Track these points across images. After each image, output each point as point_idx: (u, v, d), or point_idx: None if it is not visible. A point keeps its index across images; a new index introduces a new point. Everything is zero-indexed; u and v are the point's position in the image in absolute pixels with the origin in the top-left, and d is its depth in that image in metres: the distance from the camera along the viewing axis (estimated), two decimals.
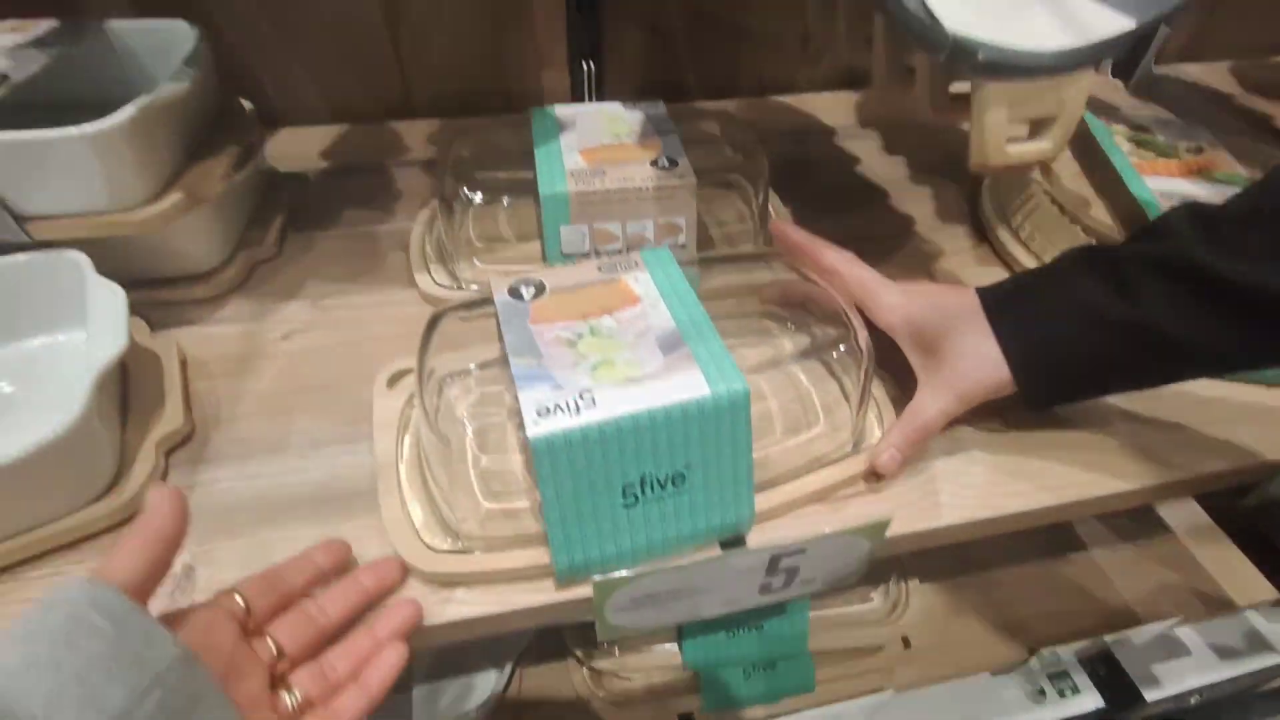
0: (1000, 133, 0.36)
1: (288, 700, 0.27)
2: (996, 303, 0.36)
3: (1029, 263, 0.53)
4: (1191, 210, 0.33)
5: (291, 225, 0.55)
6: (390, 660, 0.29)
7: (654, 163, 0.46)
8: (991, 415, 0.41)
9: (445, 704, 0.54)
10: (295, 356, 0.44)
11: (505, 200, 0.48)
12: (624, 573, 0.31)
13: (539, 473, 0.28)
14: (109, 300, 0.37)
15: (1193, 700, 0.77)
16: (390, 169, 0.61)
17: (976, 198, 0.60)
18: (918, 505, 0.37)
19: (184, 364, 0.42)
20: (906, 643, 0.61)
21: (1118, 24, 0.34)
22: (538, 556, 0.32)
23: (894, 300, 0.38)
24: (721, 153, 0.52)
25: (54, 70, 0.45)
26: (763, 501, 0.35)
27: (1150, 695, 0.72)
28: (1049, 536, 0.71)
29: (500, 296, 0.34)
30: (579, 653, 0.54)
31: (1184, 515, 0.73)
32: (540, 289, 0.34)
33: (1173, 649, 0.76)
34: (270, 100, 0.65)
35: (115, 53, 0.49)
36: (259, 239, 0.51)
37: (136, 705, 0.20)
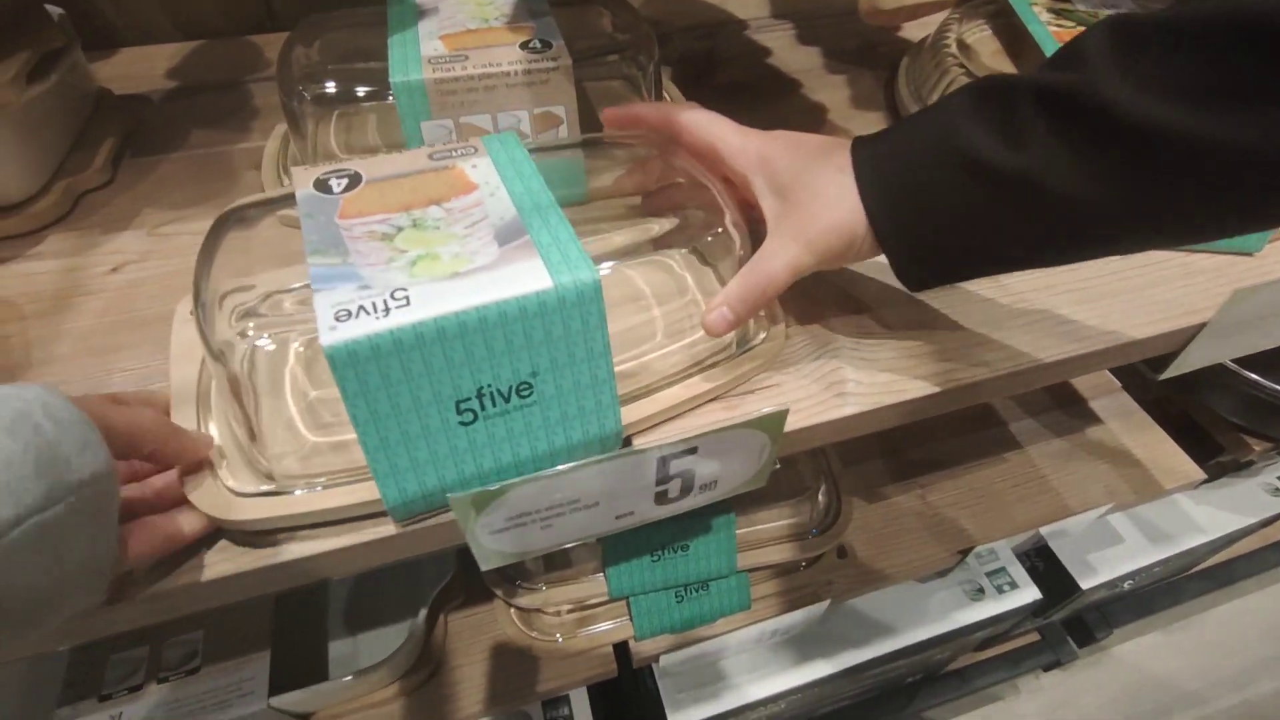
0: None
1: None
2: (863, 141, 0.31)
3: None
4: (1113, 28, 0.25)
5: (129, 150, 0.48)
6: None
7: (525, 45, 0.41)
8: (898, 303, 0.38)
9: (362, 654, 0.51)
10: (125, 289, 0.38)
11: (362, 103, 0.43)
12: (483, 489, 0.27)
13: (343, 390, 0.24)
14: None
15: (1126, 585, 0.79)
16: (247, 85, 0.54)
17: (893, 83, 0.56)
18: (819, 397, 0.34)
19: None
20: (842, 553, 0.60)
21: None
22: (369, 491, 0.27)
23: (748, 142, 0.32)
24: (606, 37, 0.46)
25: None
26: (631, 413, 0.31)
27: (1085, 583, 0.74)
28: (980, 438, 0.70)
29: (304, 191, 0.29)
30: (500, 591, 0.52)
31: (1114, 405, 0.73)
32: (355, 180, 0.29)
33: (1106, 537, 0.78)
34: (108, 19, 0.57)
35: None
36: (84, 165, 0.44)
37: (51, 505, 0.21)
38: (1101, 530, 0.77)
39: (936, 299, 0.38)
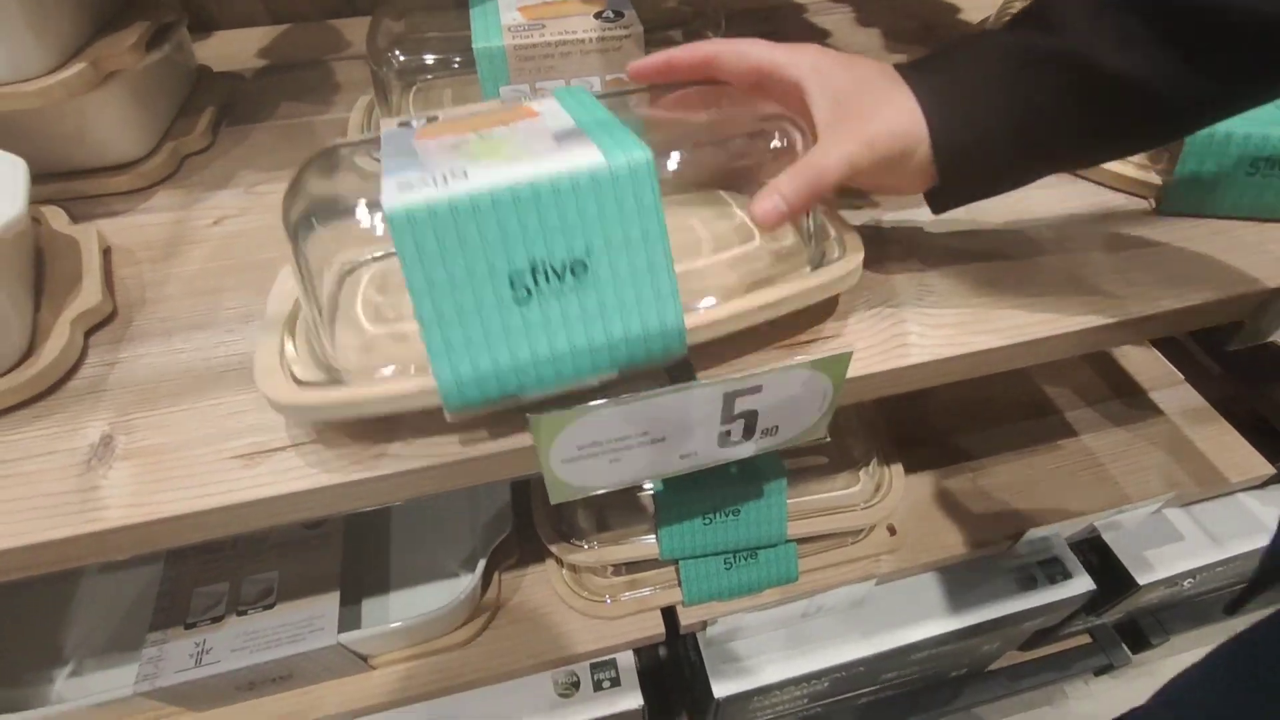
0: None
1: None
2: (913, 62, 0.33)
3: None
4: None
5: (226, 120, 0.52)
6: None
7: (598, 15, 0.43)
8: (962, 260, 0.39)
9: (421, 604, 0.53)
10: (226, 239, 0.42)
11: (445, 72, 0.45)
12: (560, 412, 0.28)
13: (402, 257, 0.25)
14: (5, 171, 0.34)
15: (1186, 584, 0.77)
16: (330, 63, 0.58)
17: None
18: (883, 346, 0.35)
19: (107, 252, 0.40)
20: (892, 530, 0.60)
21: None
22: (424, 382, 0.27)
23: (798, 55, 0.32)
24: (675, 10, 0.48)
25: None
26: (695, 319, 0.30)
27: (1142, 578, 0.72)
28: (1035, 425, 0.69)
29: (388, 129, 0.31)
30: (555, 549, 0.53)
31: (1176, 397, 0.71)
32: (433, 120, 0.31)
33: (1165, 533, 0.75)
34: (207, 5, 0.61)
35: None
36: (188, 130, 0.48)
37: None
38: (1160, 526, 0.75)
39: (1000, 264, 0.39)
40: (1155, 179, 0.42)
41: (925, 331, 0.35)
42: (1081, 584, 0.67)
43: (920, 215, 0.42)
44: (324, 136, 0.50)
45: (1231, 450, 0.66)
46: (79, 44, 0.40)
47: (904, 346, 0.35)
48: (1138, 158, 0.43)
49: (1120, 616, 0.87)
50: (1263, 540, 0.76)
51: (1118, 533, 0.73)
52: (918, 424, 0.69)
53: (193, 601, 0.49)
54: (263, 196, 0.45)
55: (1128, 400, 0.71)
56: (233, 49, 0.60)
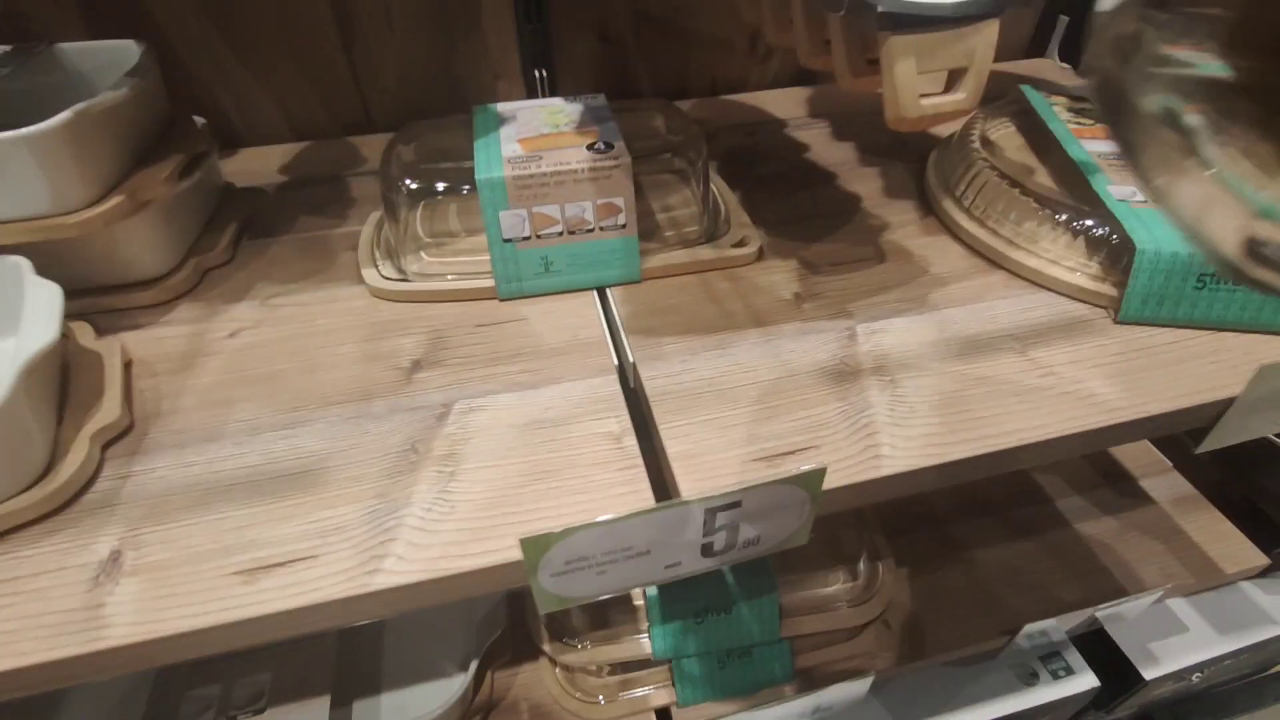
0: (911, 85, 0.37)
1: None
2: None
3: (974, 230, 0.53)
4: None
5: (247, 234, 0.55)
6: None
7: (590, 147, 0.47)
8: (929, 373, 0.41)
9: (413, 706, 0.53)
10: (240, 352, 0.44)
11: (449, 195, 0.49)
12: (547, 531, 0.30)
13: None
14: (44, 297, 0.37)
15: (1195, 679, 0.75)
16: (346, 179, 0.63)
17: (922, 174, 0.61)
18: (857, 458, 0.36)
19: (129, 365, 0.43)
20: (887, 624, 0.59)
21: None
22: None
23: None
24: (661, 138, 0.52)
25: (4, 93, 0.46)
26: None
27: (1149, 673, 0.70)
28: (1025, 514, 0.70)
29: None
30: (548, 648, 0.53)
31: (1166, 485, 0.72)
32: None
33: (1169, 625, 0.74)
34: (234, 124, 0.67)
35: (67, 74, 0.51)
36: (211, 246, 0.52)
37: None
38: (1163, 617, 0.74)
39: (968, 373, 0.41)
40: (1112, 290, 0.45)
41: (897, 443, 0.37)
42: (1086, 680, 0.66)
43: (893, 324, 0.44)
44: (337, 250, 0.53)
45: (1225, 540, 0.67)
46: (117, 177, 0.44)
47: (877, 458, 0.36)
48: (1094, 269, 0.46)
49: (1133, 712, 0.85)
50: (1270, 631, 0.74)
51: (1120, 625, 0.72)
52: (907, 512, 0.69)
53: (182, 706, 0.49)
54: (276, 310, 0.48)
55: (1118, 487, 0.72)
56: (256, 165, 0.65)
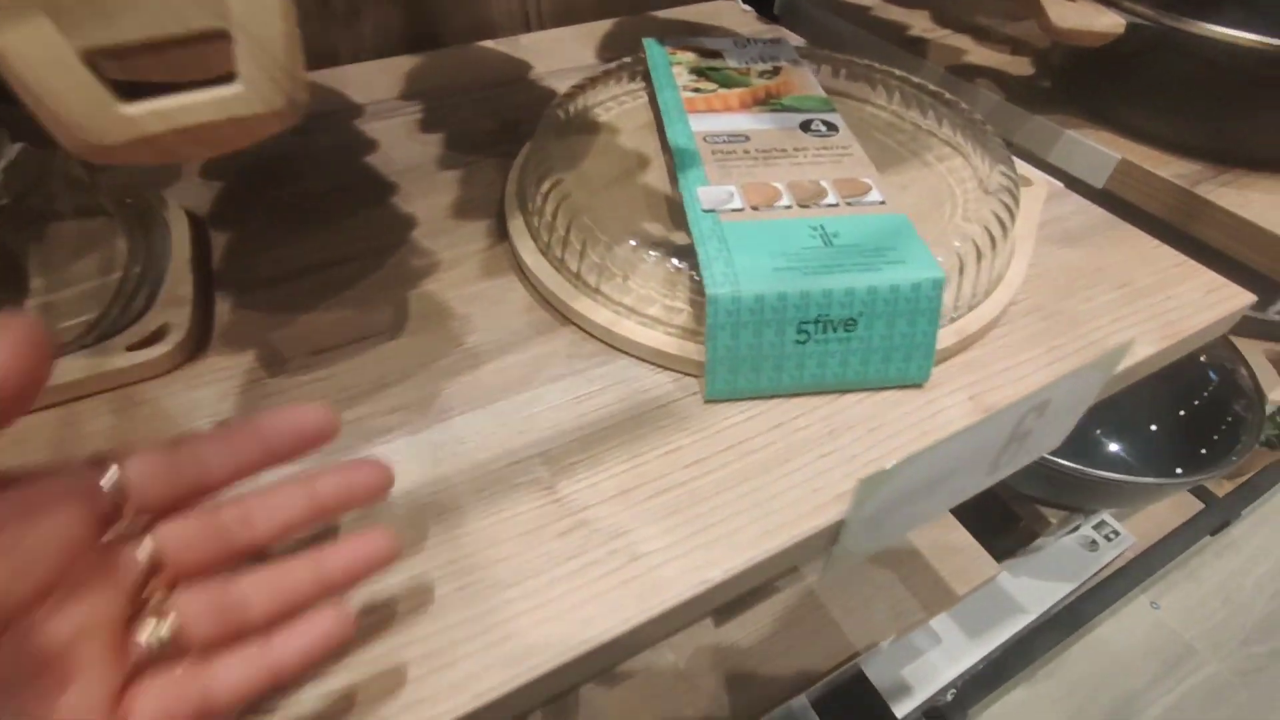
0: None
1: (151, 634, 0.17)
2: None
3: (538, 265, 0.35)
4: None
5: None
6: (321, 627, 0.19)
7: None
8: None
9: None
10: None
11: None
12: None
13: None
14: None
15: (949, 696, 0.69)
16: None
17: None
18: None
19: None
20: None
21: None
22: None
23: None
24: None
25: None
26: None
27: (901, 710, 0.62)
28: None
29: None
30: None
31: None
32: None
33: (922, 641, 0.67)
34: None
35: None
36: None
37: None
38: (914, 643, 0.66)
39: (452, 567, 0.25)
40: (700, 355, 0.30)
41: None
42: None
43: (365, 465, 0.27)
44: None
45: (957, 553, 0.59)
46: None
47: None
48: (676, 329, 0.31)
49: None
50: (1023, 619, 0.70)
51: (875, 663, 0.63)
52: None
53: None
54: None
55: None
56: None
